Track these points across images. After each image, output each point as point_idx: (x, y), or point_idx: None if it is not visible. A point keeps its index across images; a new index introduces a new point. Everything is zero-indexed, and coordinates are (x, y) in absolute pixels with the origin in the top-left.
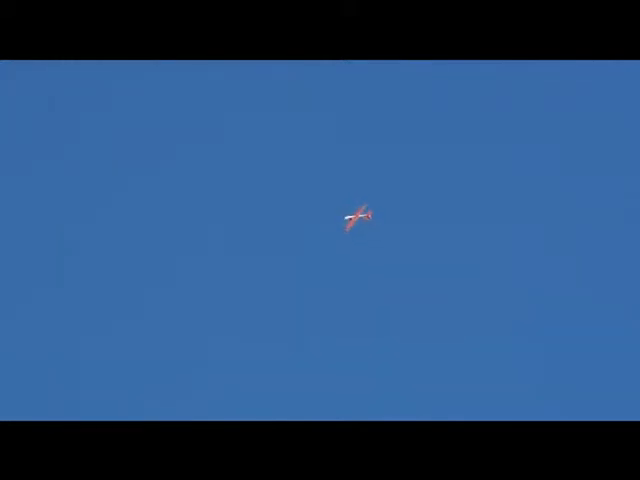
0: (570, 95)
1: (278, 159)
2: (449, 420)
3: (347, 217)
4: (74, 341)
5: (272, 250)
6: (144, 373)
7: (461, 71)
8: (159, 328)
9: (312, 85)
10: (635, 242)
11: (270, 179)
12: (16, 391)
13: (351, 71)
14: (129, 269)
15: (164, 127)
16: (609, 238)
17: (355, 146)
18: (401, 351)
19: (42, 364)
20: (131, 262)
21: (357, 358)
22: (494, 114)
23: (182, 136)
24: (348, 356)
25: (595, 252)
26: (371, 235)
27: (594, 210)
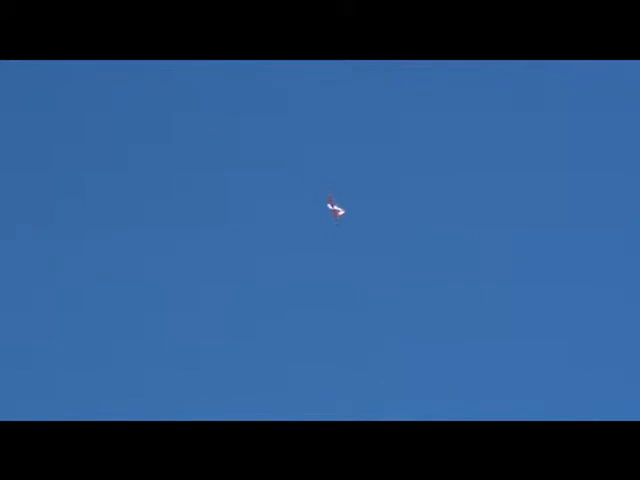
0: (570, 95)
1: (276, 159)
2: (449, 420)
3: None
4: (73, 341)
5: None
6: (143, 373)
7: (461, 71)
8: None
9: (310, 85)
10: (636, 242)
11: (268, 179)
12: (16, 391)
13: (350, 71)
14: (129, 268)
15: (163, 127)
16: (609, 238)
17: (354, 146)
18: (400, 351)
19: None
20: (130, 262)
21: (357, 358)
22: (494, 114)
23: (179, 136)
24: (348, 356)
25: (595, 252)
26: (367, 236)
27: (594, 210)
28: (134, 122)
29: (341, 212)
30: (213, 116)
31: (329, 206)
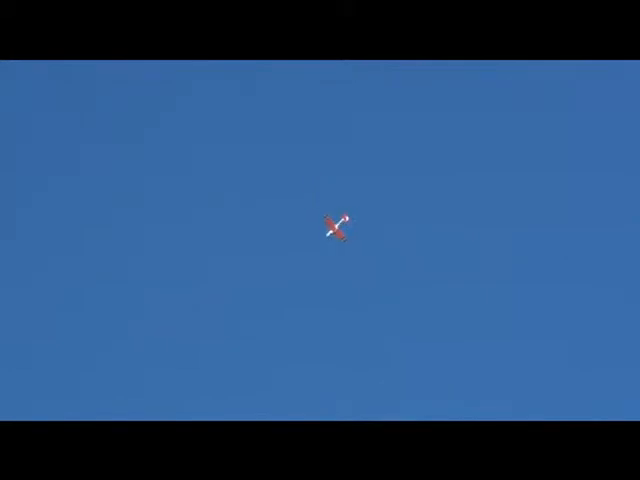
0: (570, 95)
1: (276, 159)
2: (449, 420)
3: (330, 232)
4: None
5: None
6: (143, 373)
7: (461, 71)
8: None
9: (310, 85)
10: (636, 242)
11: (267, 179)
12: (16, 391)
13: (350, 71)
14: (129, 268)
15: (163, 127)
16: (609, 238)
17: (354, 146)
18: (398, 351)
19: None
20: (130, 262)
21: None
22: (494, 114)
23: (179, 136)
24: (348, 356)
25: (595, 252)
26: (367, 236)
27: (594, 210)
28: (134, 122)
29: (346, 219)
30: (213, 116)
31: (330, 232)
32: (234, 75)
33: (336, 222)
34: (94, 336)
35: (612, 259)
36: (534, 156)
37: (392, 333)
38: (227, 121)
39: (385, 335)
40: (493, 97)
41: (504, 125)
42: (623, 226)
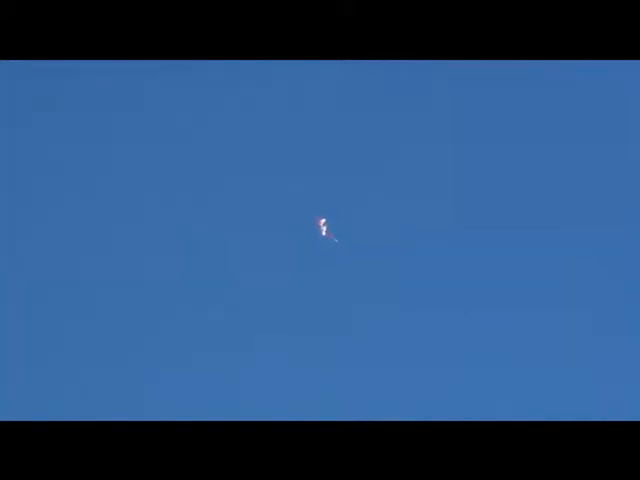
0: (570, 95)
1: (274, 159)
2: (449, 420)
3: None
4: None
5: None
6: (143, 373)
7: (461, 71)
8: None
9: (308, 85)
10: (635, 243)
11: (265, 180)
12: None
13: (350, 71)
14: (128, 269)
15: (163, 128)
16: (608, 238)
17: (353, 146)
18: (397, 349)
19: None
20: (128, 262)
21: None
22: (494, 115)
23: (178, 136)
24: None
25: (595, 252)
26: (366, 236)
27: (593, 211)
28: (134, 122)
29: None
30: (212, 116)
31: (323, 229)
32: (234, 75)
33: (322, 225)
34: (94, 335)
35: (612, 259)
36: (534, 156)
37: (391, 332)
38: (226, 121)
39: (385, 334)
40: (493, 97)
41: (504, 125)
42: (623, 227)
